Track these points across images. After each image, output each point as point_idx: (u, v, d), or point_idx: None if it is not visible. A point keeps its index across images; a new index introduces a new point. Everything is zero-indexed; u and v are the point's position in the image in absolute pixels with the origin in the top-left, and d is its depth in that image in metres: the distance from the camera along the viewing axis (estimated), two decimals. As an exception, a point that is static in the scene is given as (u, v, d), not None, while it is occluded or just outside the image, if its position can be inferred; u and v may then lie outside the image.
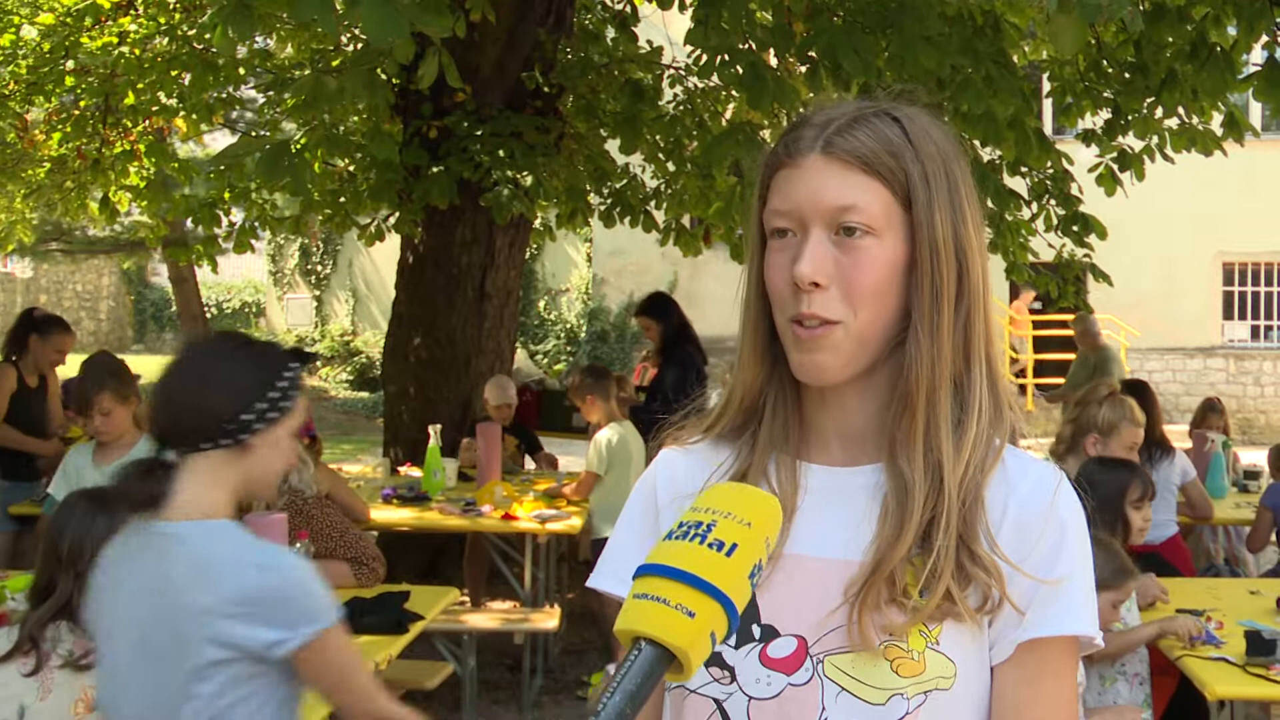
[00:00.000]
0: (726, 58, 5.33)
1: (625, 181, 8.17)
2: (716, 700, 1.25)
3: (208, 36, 7.76)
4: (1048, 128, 12.95)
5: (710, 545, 1.01)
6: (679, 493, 1.35)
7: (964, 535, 1.21)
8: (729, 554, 1.00)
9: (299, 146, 6.03)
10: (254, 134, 8.49)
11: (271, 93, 8.55)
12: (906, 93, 1.34)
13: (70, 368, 6.23)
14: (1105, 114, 7.27)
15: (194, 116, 8.41)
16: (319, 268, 23.66)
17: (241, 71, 8.18)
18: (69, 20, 8.12)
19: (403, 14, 3.78)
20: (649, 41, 8.12)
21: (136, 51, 7.98)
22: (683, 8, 6.70)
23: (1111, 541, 3.56)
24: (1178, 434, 7.36)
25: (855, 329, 1.22)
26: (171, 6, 8.07)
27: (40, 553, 2.75)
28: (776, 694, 1.22)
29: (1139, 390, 5.64)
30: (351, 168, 7.85)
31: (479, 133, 6.93)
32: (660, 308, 7.44)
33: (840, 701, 1.20)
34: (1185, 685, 3.77)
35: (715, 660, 1.23)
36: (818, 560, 1.25)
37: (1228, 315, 18.86)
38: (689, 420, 1.40)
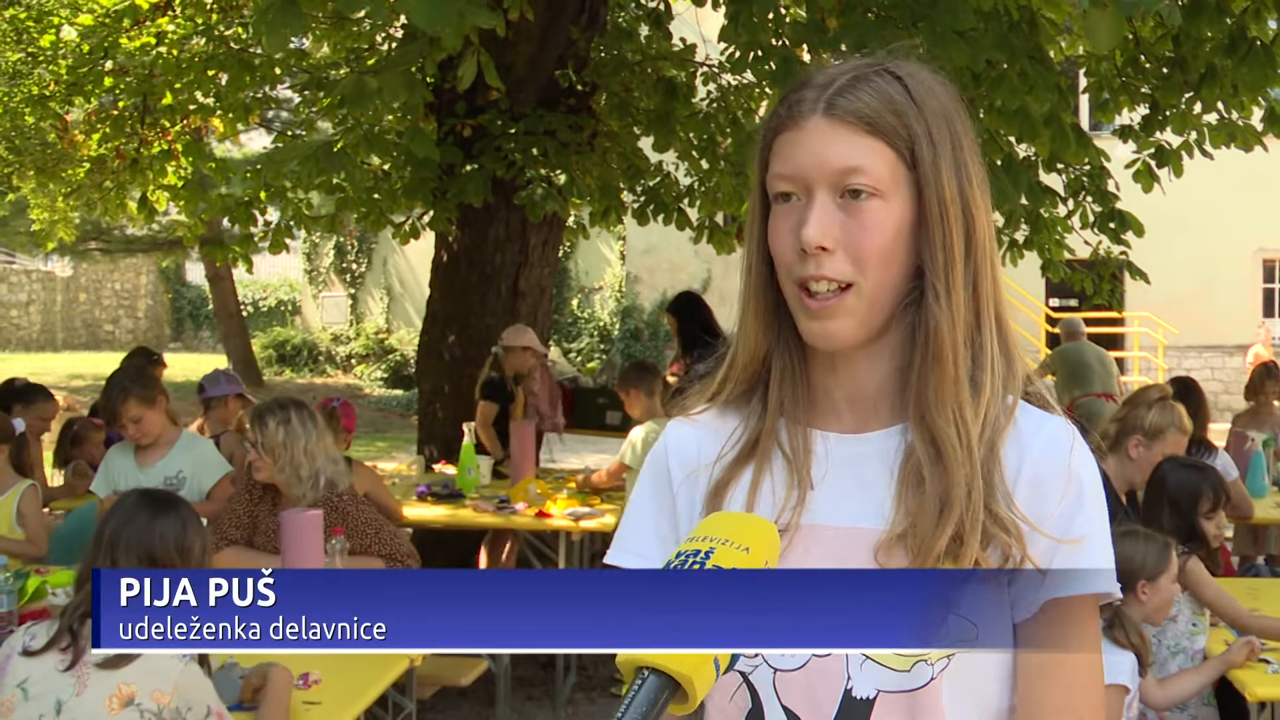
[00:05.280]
0: (759, 53, 5.30)
1: (658, 179, 8.16)
2: (742, 673, 1.25)
3: (245, 36, 7.82)
4: (1084, 123, 12.83)
5: None
6: (692, 467, 1.33)
7: (984, 495, 1.19)
8: None
9: (340, 147, 6.06)
10: (290, 133, 8.53)
11: (307, 92, 8.60)
12: (905, 49, 1.30)
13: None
14: (1143, 109, 7.18)
15: (230, 116, 8.47)
16: (354, 266, 23.78)
17: (278, 71, 8.23)
18: (108, 21, 8.19)
19: (451, 2, 3.75)
20: (682, 39, 8.11)
21: (174, 52, 8.05)
22: (716, 5, 6.68)
23: (1136, 529, 3.48)
24: (1217, 433, 7.27)
25: (867, 291, 1.21)
26: (209, 7, 8.13)
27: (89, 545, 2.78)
28: (802, 665, 1.22)
29: (1187, 389, 5.55)
30: (386, 166, 7.88)
31: (513, 131, 6.94)
32: (683, 307, 7.43)
33: (865, 670, 1.20)
34: (1225, 687, 3.73)
35: None
36: (834, 529, 1.24)
37: (1268, 313, 18.62)
38: (691, 390, 1.38)
